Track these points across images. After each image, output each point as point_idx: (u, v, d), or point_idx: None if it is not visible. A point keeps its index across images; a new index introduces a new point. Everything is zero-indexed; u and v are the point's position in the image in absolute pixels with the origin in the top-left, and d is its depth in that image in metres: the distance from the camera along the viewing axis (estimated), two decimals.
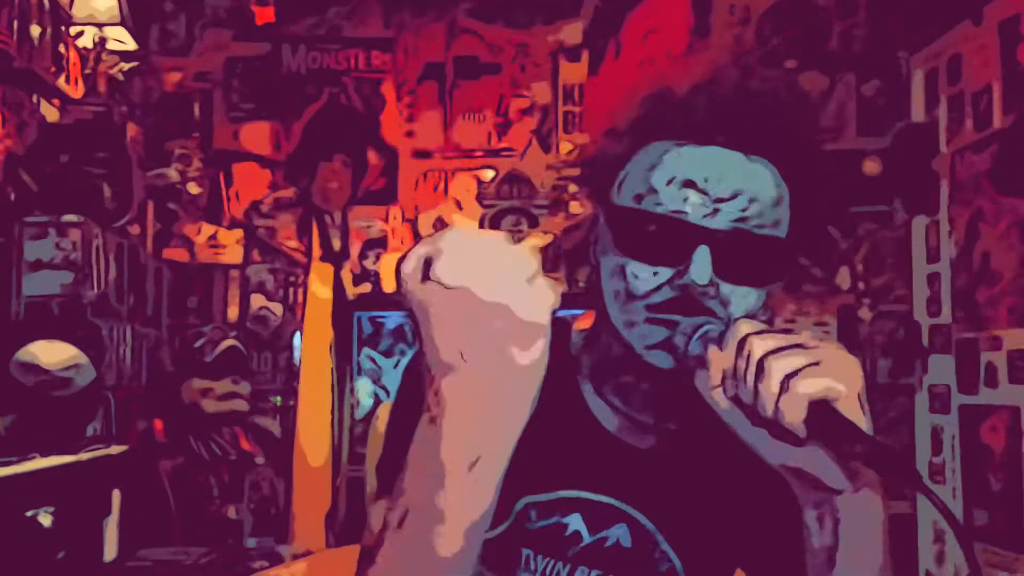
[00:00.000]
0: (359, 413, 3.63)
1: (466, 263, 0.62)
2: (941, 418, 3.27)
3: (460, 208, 3.73)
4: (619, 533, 0.98)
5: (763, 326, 0.76)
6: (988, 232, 2.99)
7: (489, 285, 0.62)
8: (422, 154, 3.76)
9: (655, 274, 0.87)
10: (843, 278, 3.55)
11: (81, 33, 3.13)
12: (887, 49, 3.54)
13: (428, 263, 0.63)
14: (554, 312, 0.64)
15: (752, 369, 0.72)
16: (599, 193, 0.96)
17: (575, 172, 1.01)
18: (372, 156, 3.76)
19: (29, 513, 2.34)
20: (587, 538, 0.98)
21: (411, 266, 0.64)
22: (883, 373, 3.51)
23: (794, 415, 0.70)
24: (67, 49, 3.05)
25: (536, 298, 0.63)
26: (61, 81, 3.02)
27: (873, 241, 3.55)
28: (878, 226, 3.55)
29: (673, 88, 0.91)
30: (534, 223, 3.69)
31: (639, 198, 0.89)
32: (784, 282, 0.93)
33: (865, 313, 3.55)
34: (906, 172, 3.46)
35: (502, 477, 0.66)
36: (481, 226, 3.72)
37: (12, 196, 2.87)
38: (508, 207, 3.72)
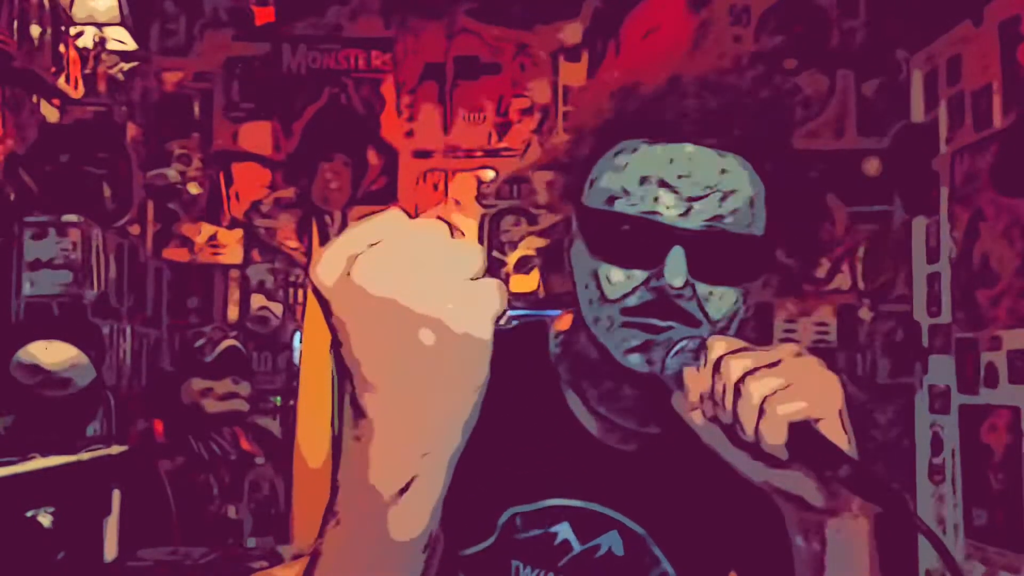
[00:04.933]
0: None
1: (394, 265, 0.51)
2: (941, 418, 3.27)
3: (460, 208, 3.73)
4: (611, 541, 0.97)
5: (739, 343, 0.74)
6: (988, 232, 2.99)
7: (420, 292, 0.51)
8: (422, 154, 3.76)
9: (629, 277, 0.85)
10: (843, 278, 3.55)
11: (81, 33, 3.12)
12: (887, 49, 3.54)
13: (350, 263, 0.52)
14: (499, 319, 0.53)
15: (730, 391, 0.70)
16: (570, 194, 0.94)
17: (547, 174, 0.99)
18: (372, 156, 3.76)
19: (29, 513, 2.34)
20: (577, 547, 0.97)
21: (329, 267, 0.52)
22: (883, 373, 3.51)
23: (774, 438, 0.68)
24: (67, 49, 3.05)
25: (476, 307, 0.52)
26: (61, 81, 3.02)
27: (873, 241, 3.55)
28: (878, 226, 3.55)
29: (641, 84, 0.89)
30: (534, 223, 3.69)
31: (611, 199, 0.87)
32: (762, 280, 0.90)
33: (865, 313, 3.55)
34: (906, 172, 3.46)
35: (439, 502, 0.57)
36: (481, 226, 3.71)
37: (12, 196, 2.87)
38: (508, 207, 3.72)
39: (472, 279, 0.52)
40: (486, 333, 0.53)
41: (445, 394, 0.54)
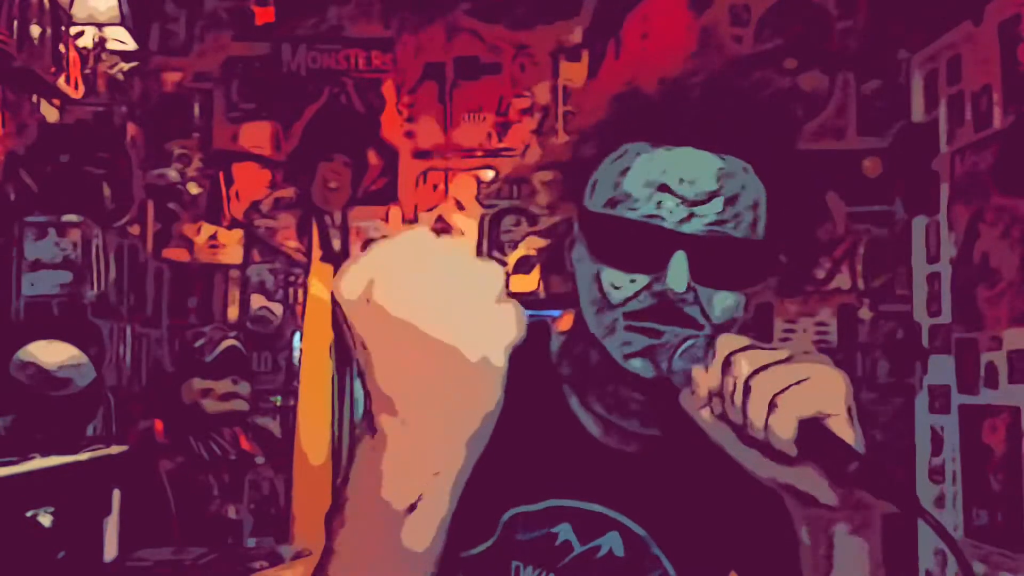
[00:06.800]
0: (359, 413, 3.63)
1: (414, 287, 0.52)
2: (941, 418, 3.27)
3: (460, 208, 3.73)
4: (611, 541, 0.97)
5: (747, 341, 0.73)
6: (988, 232, 2.99)
7: (438, 317, 0.52)
8: (422, 154, 3.76)
9: (631, 281, 0.86)
10: (843, 278, 3.55)
11: (81, 33, 3.12)
12: (887, 49, 3.54)
13: (371, 282, 0.53)
14: (513, 346, 0.54)
15: (739, 389, 0.70)
16: (572, 197, 0.94)
17: (548, 174, 0.99)
18: (372, 156, 3.76)
19: (29, 513, 2.34)
20: (578, 548, 0.97)
21: (353, 284, 0.53)
22: (883, 373, 3.51)
23: (784, 434, 0.68)
24: (67, 49, 3.05)
25: (493, 333, 0.53)
26: (61, 81, 3.02)
27: (873, 241, 3.54)
28: (878, 226, 3.55)
29: (642, 87, 0.90)
30: (534, 223, 3.69)
31: (612, 203, 0.87)
32: (764, 284, 0.90)
33: (865, 313, 3.55)
34: (906, 172, 3.46)
35: (446, 520, 0.58)
36: (481, 226, 3.71)
37: (12, 196, 2.86)
38: (508, 207, 3.72)
39: (489, 305, 0.53)
40: (500, 360, 0.54)
41: (457, 417, 0.55)
